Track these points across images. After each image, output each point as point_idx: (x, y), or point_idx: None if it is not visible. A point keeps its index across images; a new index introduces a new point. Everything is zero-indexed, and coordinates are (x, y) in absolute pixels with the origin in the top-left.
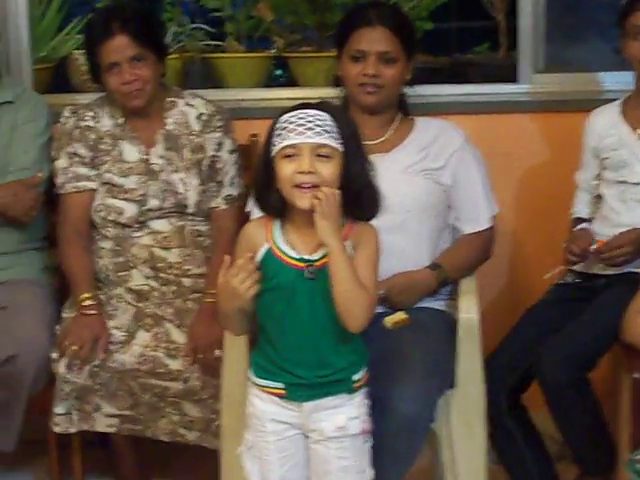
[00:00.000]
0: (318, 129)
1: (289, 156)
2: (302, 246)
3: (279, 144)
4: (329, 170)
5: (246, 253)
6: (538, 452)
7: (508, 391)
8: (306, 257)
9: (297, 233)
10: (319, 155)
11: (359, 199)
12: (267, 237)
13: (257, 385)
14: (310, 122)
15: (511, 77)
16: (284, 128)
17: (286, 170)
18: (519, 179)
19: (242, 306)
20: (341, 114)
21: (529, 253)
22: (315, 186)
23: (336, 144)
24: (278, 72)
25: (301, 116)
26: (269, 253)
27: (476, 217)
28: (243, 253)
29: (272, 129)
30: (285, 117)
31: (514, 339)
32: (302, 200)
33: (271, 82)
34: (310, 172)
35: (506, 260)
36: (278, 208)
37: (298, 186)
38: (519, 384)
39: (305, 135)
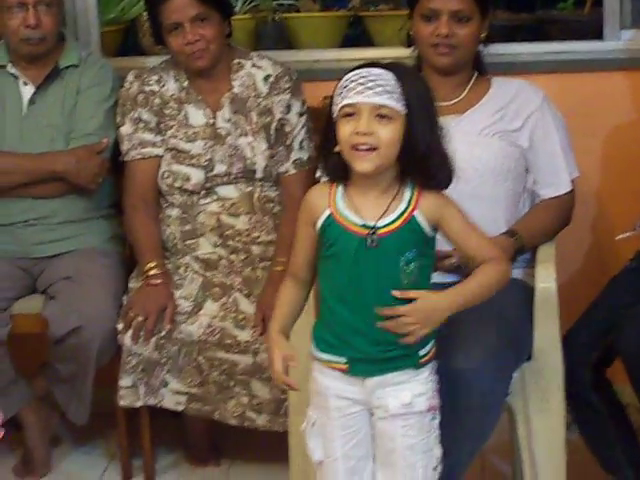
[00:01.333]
0: (378, 89)
1: (349, 115)
2: (366, 212)
3: (340, 103)
4: (388, 132)
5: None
6: (622, 427)
7: (592, 365)
8: (370, 223)
9: (361, 197)
10: (379, 116)
11: (426, 165)
12: (329, 202)
13: (319, 360)
14: (371, 81)
15: (597, 34)
16: (345, 87)
17: (345, 130)
18: (604, 140)
19: None
20: (409, 75)
21: (613, 218)
22: (373, 148)
23: (397, 105)
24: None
25: (363, 75)
26: (330, 219)
27: (555, 181)
28: (304, 220)
29: (335, 88)
30: (348, 75)
31: (597, 310)
32: (360, 163)
33: (351, 43)
34: (367, 133)
35: (588, 226)
36: (339, 172)
37: (356, 148)
38: (604, 357)
39: (364, 94)
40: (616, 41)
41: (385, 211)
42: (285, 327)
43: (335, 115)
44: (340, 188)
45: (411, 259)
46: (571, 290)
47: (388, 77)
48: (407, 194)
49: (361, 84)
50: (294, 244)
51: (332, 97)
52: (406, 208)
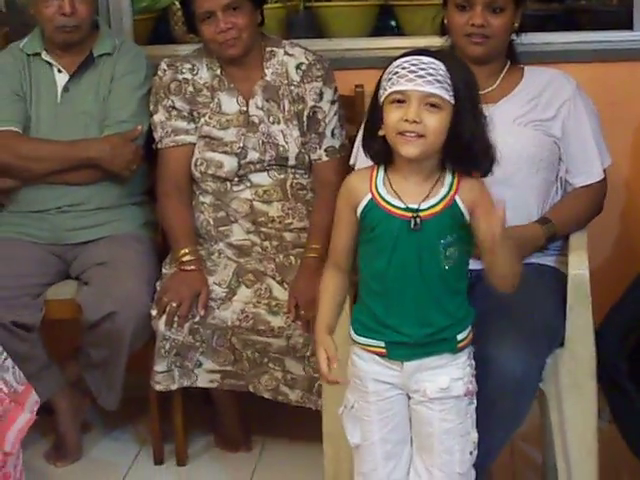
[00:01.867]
0: (430, 78)
1: (397, 102)
2: (408, 196)
3: (389, 89)
4: (436, 122)
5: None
6: None
7: (628, 354)
8: (412, 206)
9: (402, 182)
10: (428, 105)
11: (470, 153)
12: (370, 187)
13: (358, 343)
14: (423, 70)
15: (627, 24)
16: (395, 73)
17: (393, 116)
18: (634, 129)
19: None
20: (458, 64)
21: None
22: (420, 136)
23: (447, 95)
24: (392, 22)
25: (414, 62)
26: (372, 203)
27: (587, 170)
28: (344, 205)
29: (384, 72)
30: (398, 62)
31: (630, 300)
32: (406, 148)
33: (381, 32)
34: (415, 122)
35: (619, 214)
36: (382, 154)
37: (402, 134)
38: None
39: (415, 82)
40: None
41: (427, 195)
42: (331, 323)
43: (382, 99)
44: (381, 173)
45: (450, 243)
46: (601, 278)
47: (439, 66)
48: (448, 179)
49: (412, 72)
50: (334, 231)
51: (379, 81)
52: (447, 192)
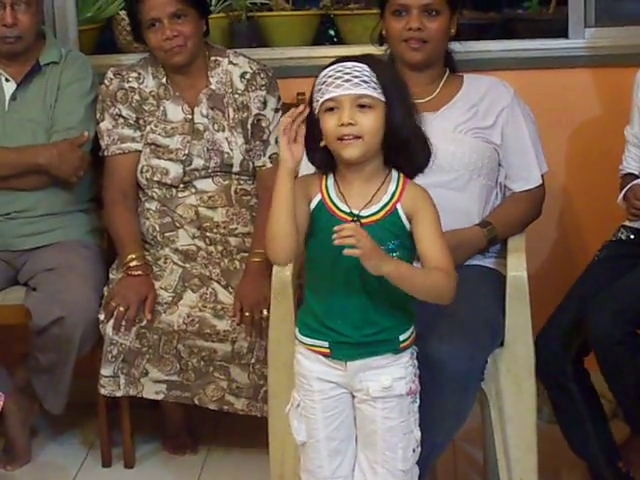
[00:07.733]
0: (356, 80)
1: (331, 109)
2: (353, 200)
3: (320, 99)
4: (370, 121)
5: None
6: (597, 413)
7: (573, 356)
8: (355, 212)
9: (348, 187)
10: (360, 106)
11: (408, 148)
12: (320, 188)
13: (303, 343)
14: (348, 74)
15: (562, 32)
16: (324, 82)
17: (329, 124)
18: (570, 135)
19: (290, 169)
20: (381, 64)
21: (580, 210)
22: (357, 137)
23: (376, 94)
24: (331, 32)
25: (339, 69)
26: (321, 203)
27: (526, 175)
28: (300, 196)
29: (314, 86)
30: (325, 72)
31: (571, 302)
32: (347, 150)
33: (322, 41)
34: (351, 124)
35: (556, 218)
36: (326, 163)
37: (341, 138)
38: (582, 346)
39: (343, 87)
40: (580, 39)
41: (369, 201)
42: None
43: (317, 111)
44: (331, 176)
45: (393, 249)
46: (539, 280)
47: (363, 68)
48: (392, 186)
49: (339, 77)
50: None
51: (311, 95)
52: (389, 200)
